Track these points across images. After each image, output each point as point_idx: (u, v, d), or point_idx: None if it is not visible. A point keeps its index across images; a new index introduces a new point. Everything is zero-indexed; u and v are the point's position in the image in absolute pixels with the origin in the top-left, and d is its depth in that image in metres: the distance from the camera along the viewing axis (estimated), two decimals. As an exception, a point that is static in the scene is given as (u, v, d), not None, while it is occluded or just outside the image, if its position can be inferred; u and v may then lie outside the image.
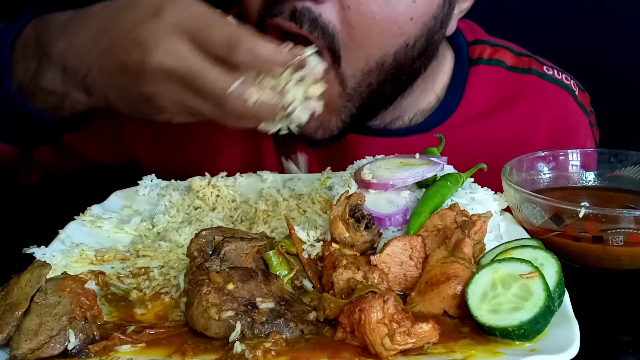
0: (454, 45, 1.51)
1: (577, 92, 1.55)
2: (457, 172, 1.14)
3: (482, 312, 0.85)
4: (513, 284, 0.86)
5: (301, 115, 1.03)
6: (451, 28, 1.38)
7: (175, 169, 1.43)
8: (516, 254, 0.92)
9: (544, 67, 1.54)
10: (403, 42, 1.28)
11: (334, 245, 1.00)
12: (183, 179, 1.33)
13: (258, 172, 1.36)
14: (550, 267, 0.89)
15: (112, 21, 1.05)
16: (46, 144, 1.42)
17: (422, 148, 1.32)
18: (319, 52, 1.19)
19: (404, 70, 1.33)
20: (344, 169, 1.28)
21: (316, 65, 1.03)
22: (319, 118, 1.24)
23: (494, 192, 1.16)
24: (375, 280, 0.90)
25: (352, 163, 1.39)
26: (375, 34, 1.24)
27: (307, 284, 0.97)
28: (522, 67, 1.53)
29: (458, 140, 1.36)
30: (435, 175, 1.11)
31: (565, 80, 1.54)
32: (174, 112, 1.04)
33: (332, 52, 1.24)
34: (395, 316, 0.80)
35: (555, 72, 1.55)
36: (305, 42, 1.20)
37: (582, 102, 1.55)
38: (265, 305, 0.86)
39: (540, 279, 0.85)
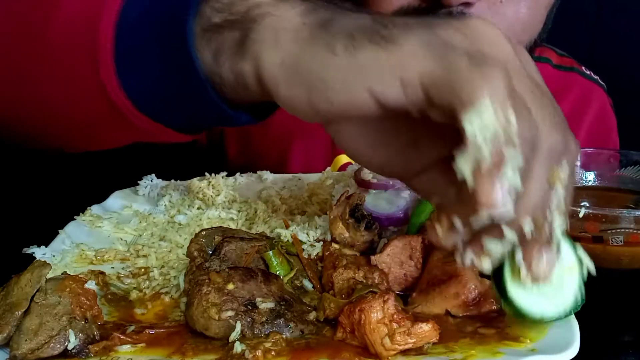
0: None
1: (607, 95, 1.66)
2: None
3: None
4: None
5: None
6: None
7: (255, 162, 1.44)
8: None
9: (583, 68, 1.64)
10: (527, 40, 1.33)
11: (334, 245, 1.00)
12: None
13: (258, 172, 1.36)
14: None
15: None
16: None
17: None
18: None
19: None
20: None
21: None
22: None
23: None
24: (376, 280, 0.90)
25: None
26: (519, 27, 1.28)
27: (307, 284, 0.97)
28: (566, 66, 1.63)
29: None
30: (435, 175, 1.11)
31: (599, 81, 1.65)
32: None
33: None
34: (395, 316, 0.80)
35: (591, 73, 1.65)
36: None
37: (611, 104, 1.67)
38: (265, 305, 0.86)
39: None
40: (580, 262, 0.81)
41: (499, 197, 0.61)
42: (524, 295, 0.79)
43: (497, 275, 0.79)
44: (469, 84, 0.61)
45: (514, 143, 0.61)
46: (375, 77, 0.64)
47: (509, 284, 0.78)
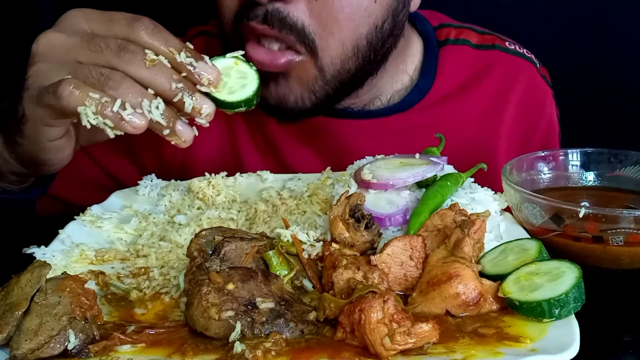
0: (421, 31, 1.58)
1: (538, 65, 1.62)
2: (457, 172, 1.14)
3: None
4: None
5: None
6: (415, 3, 1.45)
7: (152, 169, 1.43)
8: (542, 265, 0.93)
9: (506, 43, 1.61)
10: (372, 24, 1.34)
11: (334, 245, 1.00)
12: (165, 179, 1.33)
13: (258, 172, 1.36)
14: (571, 274, 0.89)
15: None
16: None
17: (403, 127, 1.45)
18: (291, 47, 1.28)
19: (377, 52, 1.39)
20: (331, 154, 1.28)
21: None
22: (291, 89, 1.33)
23: (493, 192, 1.16)
24: (375, 280, 0.90)
25: (338, 146, 1.46)
26: (344, 19, 1.30)
27: (307, 284, 0.97)
28: (487, 44, 1.60)
29: (435, 117, 1.50)
30: (435, 175, 1.11)
31: (526, 54, 1.61)
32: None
33: (306, 45, 1.30)
34: (395, 316, 0.80)
35: (517, 46, 1.62)
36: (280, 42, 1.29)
37: (543, 74, 1.62)
38: (265, 305, 0.86)
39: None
40: (238, 57, 1.03)
41: (140, 122, 0.94)
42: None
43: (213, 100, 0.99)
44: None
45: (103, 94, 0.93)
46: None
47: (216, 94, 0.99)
